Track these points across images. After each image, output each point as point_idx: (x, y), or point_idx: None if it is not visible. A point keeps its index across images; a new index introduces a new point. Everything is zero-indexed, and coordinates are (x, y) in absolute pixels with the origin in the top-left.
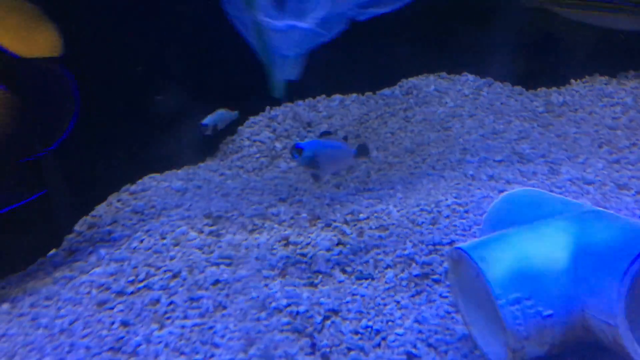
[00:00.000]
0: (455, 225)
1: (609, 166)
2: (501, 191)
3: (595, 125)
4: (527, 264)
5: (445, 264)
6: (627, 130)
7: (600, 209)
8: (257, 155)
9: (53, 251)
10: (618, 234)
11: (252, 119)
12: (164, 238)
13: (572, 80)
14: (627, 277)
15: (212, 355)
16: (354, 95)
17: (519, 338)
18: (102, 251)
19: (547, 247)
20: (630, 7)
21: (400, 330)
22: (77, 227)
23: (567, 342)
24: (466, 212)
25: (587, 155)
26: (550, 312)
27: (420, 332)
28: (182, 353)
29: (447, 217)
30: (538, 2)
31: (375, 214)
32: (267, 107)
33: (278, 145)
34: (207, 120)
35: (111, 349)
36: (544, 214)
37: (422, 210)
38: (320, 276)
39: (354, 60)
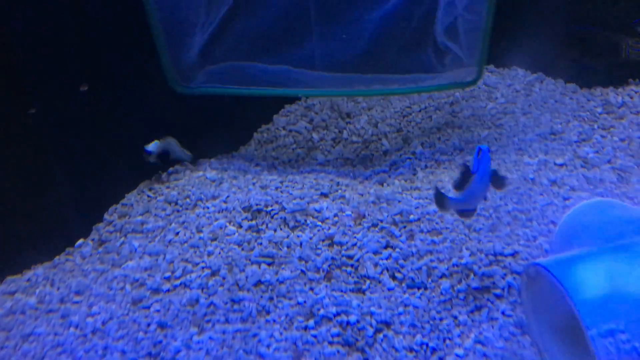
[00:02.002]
0: (517, 234)
1: None
2: (566, 198)
3: None
4: (622, 290)
5: (508, 278)
6: None
7: None
8: (294, 146)
9: (81, 241)
10: None
11: (287, 107)
12: (200, 232)
13: (630, 80)
14: None
15: None
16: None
17: None
18: (135, 243)
19: None
20: None
21: (460, 351)
22: (106, 216)
23: None
24: (529, 220)
25: None
26: None
27: (485, 355)
28: None
29: (508, 224)
30: None
31: (427, 216)
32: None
33: (315, 136)
34: (152, 147)
35: (148, 354)
36: (633, 230)
37: (478, 214)
38: (368, 282)
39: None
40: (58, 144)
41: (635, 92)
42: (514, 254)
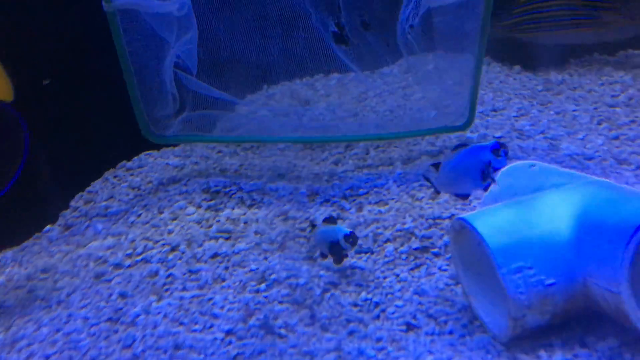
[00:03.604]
0: (455, 200)
1: (609, 142)
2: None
3: (594, 103)
4: (530, 234)
5: (445, 238)
6: (626, 107)
7: (604, 179)
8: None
9: (48, 227)
10: (621, 203)
11: (249, 96)
12: (161, 212)
13: (571, 60)
14: (631, 245)
15: (212, 326)
16: (353, 74)
17: (520, 307)
18: (99, 225)
19: (551, 217)
20: (588, 20)
21: (399, 302)
22: (72, 203)
23: (569, 312)
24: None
25: (587, 132)
26: (552, 280)
27: (420, 303)
28: (181, 323)
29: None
30: (507, 32)
31: (375, 189)
32: (265, 86)
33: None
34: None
35: (109, 319)
36: (547, 185)
37: (422, 185)
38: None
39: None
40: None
41: (575, 70)
42: (450, 217)
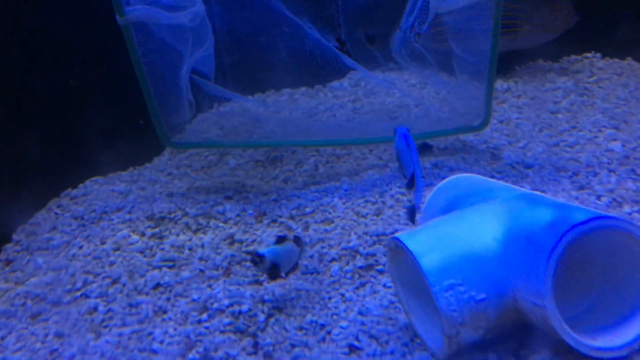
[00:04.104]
0: (398, 215)
1: (549, 149)
2: (443, 178)
3: (537, 110)
4: (461, 251)
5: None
6: (567, 113)
7: (531, 191)
8: (206, 153)
9: None
10: (545, 215)
11: (200, 116)
12: (104, 243)
13: (517, 67)
14: (553, 258)
15: None
16: (304, 88)
17: (454, 323)
18: (40, 260)
19: (479, 232)
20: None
21: (344, 324)
22: (15, 236)
23: (502, 326)
24: (409, 200)
25: (528, 139)
26: (483, 296)
27: (363, 323)
28: None
29: (391, 207)
30: None
31: (321, 207)
32: (216, 105)
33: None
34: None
35: None
36: (479, 199)
37: (367, 201)
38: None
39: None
40: None
41: (520, 78)
42: (394, 232)
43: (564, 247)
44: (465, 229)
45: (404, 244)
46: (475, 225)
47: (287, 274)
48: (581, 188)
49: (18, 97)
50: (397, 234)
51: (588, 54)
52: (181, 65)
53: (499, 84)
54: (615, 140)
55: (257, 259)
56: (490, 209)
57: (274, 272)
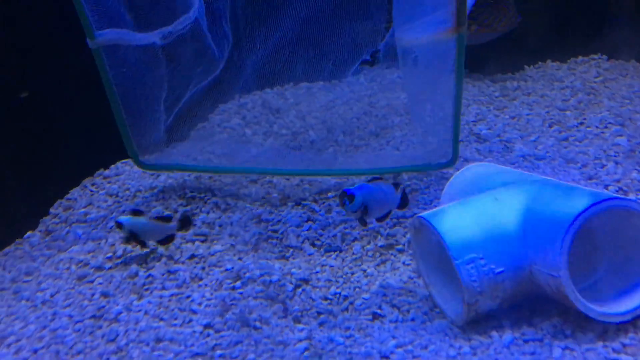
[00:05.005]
0: (417, 200)
1: (558, 143)
2: (458, 168)
3: (547, 107)
4: (481, 228)
5: (408, 235)
6: (575, 111)
7: (548, 177)
8: (228, 141)
9: (29, 232)
10: (561, 198)
11: (222, 106)
12: None
13: (526, 67)
14: (569, 234)
15: (190, 320)
16: (321, 83)
17: (473, 293)
18: (79, 231)
19: (500, 212)
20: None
21: (366, 295)
22: (52, 210)
23: (517, 296)
24: (426, 187)
25: (539, 134)
26: (501, 269)
27: (384, 295)
28: (162, 319)
29: (410, 192)
30: None
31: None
32: (237, 95)
33: (248, 131)
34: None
35: (93, 316)
36: (498, 184)
37: None
38: (292, 250)
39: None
40: (5, 147)
41: (529, 77)
42: (413, 215)
43: (580, 225)
44: (487, 209)
45: (429, 222)
46: (497, 206)
47: (380, 220)
48: (590, 178)
49: (60, 81)
50: (421, 213)
51: (594, 56)
52: (154, 84)
53: (509, 82)
54: (621, 135)
55: (345, 198)
56: (510, 191)
57: (363, 216)
